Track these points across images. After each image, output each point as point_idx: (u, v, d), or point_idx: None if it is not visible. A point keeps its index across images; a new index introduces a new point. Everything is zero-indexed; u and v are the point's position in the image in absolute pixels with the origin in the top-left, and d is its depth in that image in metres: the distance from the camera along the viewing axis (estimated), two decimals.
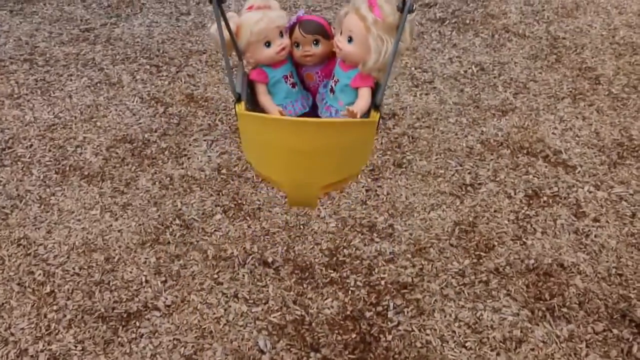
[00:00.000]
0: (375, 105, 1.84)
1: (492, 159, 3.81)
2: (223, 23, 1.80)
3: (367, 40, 1.81)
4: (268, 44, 1.95)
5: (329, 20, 2.04)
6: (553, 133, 4.04)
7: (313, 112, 2.09)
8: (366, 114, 1.87)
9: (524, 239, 3.26)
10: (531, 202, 3.50)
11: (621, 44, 5.06)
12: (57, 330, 2.86)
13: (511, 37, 5.20)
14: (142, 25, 5.44)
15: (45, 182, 3.71)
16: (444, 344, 2.75)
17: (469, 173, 3.71)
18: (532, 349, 2.71)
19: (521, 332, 2.79)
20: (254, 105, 1.99)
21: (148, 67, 4.82)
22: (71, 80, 4.69)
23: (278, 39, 1.96)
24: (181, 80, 4.65)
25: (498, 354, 2.70)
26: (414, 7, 1.75)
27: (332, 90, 2.00)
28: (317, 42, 1.99)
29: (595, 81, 4.59)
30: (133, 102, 4.41)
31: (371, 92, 1.89)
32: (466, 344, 2.75)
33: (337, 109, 1.97)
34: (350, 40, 1.86)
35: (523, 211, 3.43)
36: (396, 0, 1.78)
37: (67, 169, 3.81)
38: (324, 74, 2.09)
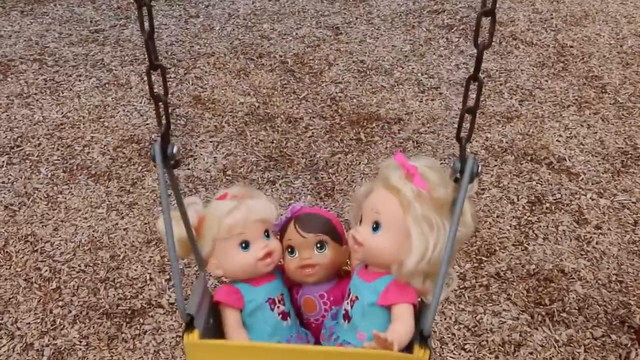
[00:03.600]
0: (421, 335, 1.14)
1: (496, 165, 3.84)
2: (175, 212, 1.22)
3: (405, 225, 1.19)
4: (245, 246, 1.34)
5: (340, 217, 1.59)
6: (557, 140, 4.06)
7: None
8: (406, 349, 1.16)
9: (525, 245, 3.28)
10: (534, 208, 3.52)
11: (629, 53, 5.07)
12: (62, 326, 2.90)
13: (518, 45, 5.22)
14: None
15: (52, 180, 3.76)
16: (443, 347, 2.78)
17: None
18: (531, 353, 2.73)
19: (520, 336, 2.81)
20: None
21: None
22: (80, 80, 4.74)
23: (261, 239, 1.35)
24: (189, 82, 4.69)
25: (497, 357, 2.72)
26: (480, 170, 1.18)
27: (346, 317, 1.30)
28: (322, 246, 1.38)
29: (601, 90, 4.61)
30: (141, 103, 4.46)
31: (414, 313, 1.22)
32: (465, 347, 2.77)
33: (356, 346, 1.25)
34: (376, 228, 1.23)
35: (525, 217, 3.46)
36: (448, 167, 1.22)
37: (75, 167, 3.86)
38: (333, 299, 1.41)
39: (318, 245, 1.38)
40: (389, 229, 1.22)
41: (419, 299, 1.25)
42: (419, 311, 1.23)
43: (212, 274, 1.40)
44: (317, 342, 1.42)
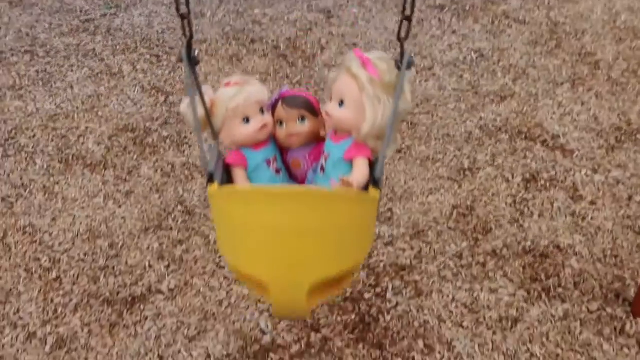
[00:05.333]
0: (374, 180, 1.55)
1: (490, 144, 3.85)
2: (197, 96, 1.63)
3: (362, 102, 1.59)
4: (247, 121, 1.74)
5: (317, 97, 1.86)
6: (551, 118, 4.07)
7: None
8: (364, 189, 1.58)
9: (521, 222, 3.30)
10: (529, 185, 3.54)
11: (622, 29, 5.08)
12: (64, 314, 2.92)
13: (511, 24, 5.22)
14: (141, 15, 5.48)
15: (49, 171, 3.77)
16: (441, 324, 2.80)
17: (468, 158, 3.75)
18: (528, 328, 2.76)
19: (517, 311, 2.84)
20: None
21: (148, 57, 4.86)
22: (72, 71, 4.73)
23: (258, 115, 1.75)
24: (181, 70, 4.69)
25: (494, 333, 2.75)
26: (414, 62, 1.56)
27: (322, 169, 1.74)
28: (303, 119, 1.78)
29: (594, 66, 4.61)
30: (134, 91, 4.46)
31: (369, 164, 1.64)
32: (463, 324, 2.80)
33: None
34: (341, 104, 1.64)
35: (521, 195, 3.48)
36: (392, 56, 1.60)
37: (70, 158, 3.86)
38: (313, 158, 1.84)
39: (300, 118, 1.78)
40: (350, 105, 1.62)
41: (373, 153, 1.66)
42: (373, 163, 1.63)
43: (224, 142, 1.78)
44: None
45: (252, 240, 1.51)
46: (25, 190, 3.63)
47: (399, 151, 3.80)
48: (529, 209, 3.39)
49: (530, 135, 3.92)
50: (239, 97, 1.72)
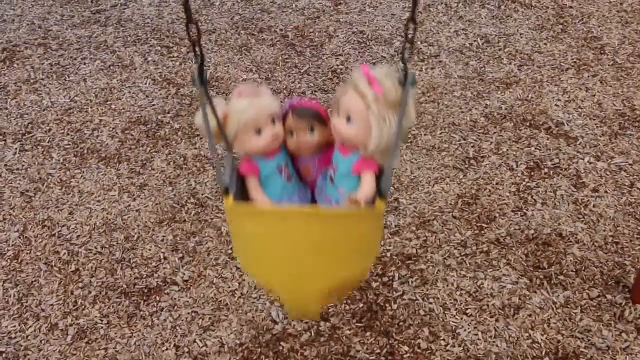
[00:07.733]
0: (380, 193, 1.67)
1: (495, 132, 3.92)
2: (209, 110, 1.69)
3: (368, 119, 1.68)
4: (258, 132, 1.81)
5: (325, 106, 1.95)
6: (556, 105, 4.13)
7: None
8: (371, 203, 1.72)
9: (524, 210, 3.38)
10: (532, 173, 3.61)
11: (629, 11, 5.09)
12: (83, 306, 3.05)
13: (517, 8, 5.24)
14: (151, 5, 5.55)
15: (65, 165, 3.88)
16: (446, 312, 2.91)
17: (473, 146, 3.82)
18: (530, 315, 2.86)
19: (519, 299, 2.94)
20: (246, 201, 1.86)
21: (159, 48, 4.95)
22: (85, 63, 4.83)
23: (270, 126, 1.82)
24: (192, 61, 4.77)
25: (497, 320, 2.85)
26: (416, 80, 1.64)
27: (331, 180, 1.86)
28: (312, 129, 1.87)
29: (600, 51, 4.65)
30: (145, 84, 4.55)
31: (375, 178, 1.76)
32: (467, 311, 2.90)
33: (337, 199, 1.83)
34: (348, 120, 1.73)
35: (524, 183, 3.55)
36: (396, 73, 1.68)
37: (85, 151, 3.98)
38: (323, 164, 1.95)
39: (310, 128, 1.87)
40: (357, 122, 1.71)
41: (379, 167, 1.77)
42: (379, 176, 1.75)
43: (237, 153, 1.87)
44: (312, 193, 1.98)
45: (267, 255, 1.68)
46: (43, 184, 3.76)
47: (405, 140, 3.87)
48: (532, 197, 3.47)
49: (535, 122, 3.98)
50: (251, 110, 1.78)
